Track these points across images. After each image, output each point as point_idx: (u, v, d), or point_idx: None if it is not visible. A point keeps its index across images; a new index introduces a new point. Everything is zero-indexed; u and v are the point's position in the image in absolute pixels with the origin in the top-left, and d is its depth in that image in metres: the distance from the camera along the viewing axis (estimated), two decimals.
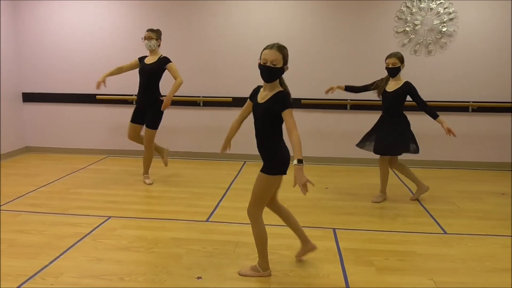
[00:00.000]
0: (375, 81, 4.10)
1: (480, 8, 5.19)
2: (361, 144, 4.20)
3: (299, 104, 5.49)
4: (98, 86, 4.39)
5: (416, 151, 4.02)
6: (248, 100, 2.61)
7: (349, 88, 4.25)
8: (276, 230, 3.37)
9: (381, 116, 4.13)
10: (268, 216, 3.61)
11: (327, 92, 4.27)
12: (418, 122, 5.32)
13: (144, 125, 4.52)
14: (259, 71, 2.40)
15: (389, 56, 3.93)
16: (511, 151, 5.41)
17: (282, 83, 2.48)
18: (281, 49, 2.36)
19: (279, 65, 2.35)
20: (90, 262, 2.82)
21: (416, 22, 5.29)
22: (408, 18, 5.30)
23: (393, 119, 3.99)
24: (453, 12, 5.22)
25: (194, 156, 5.75)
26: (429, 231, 3.42)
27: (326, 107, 5.54)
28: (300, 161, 2.24)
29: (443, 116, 5.33)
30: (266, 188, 2.52)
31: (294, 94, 5.92)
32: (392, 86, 3.95)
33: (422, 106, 3.85)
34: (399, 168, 4.11)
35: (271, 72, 2.36)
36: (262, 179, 2.51)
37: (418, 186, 4.15)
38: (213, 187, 4.50)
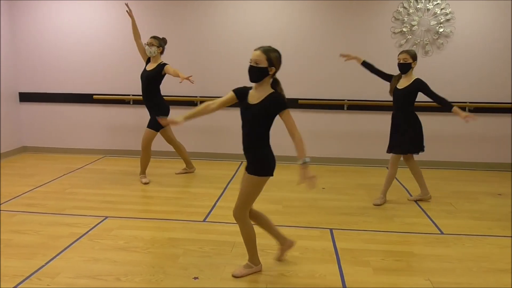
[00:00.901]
0: (393, 76, 4.01)
1: (476, 8, 5.21)
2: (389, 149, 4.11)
3: (296, 104, 5.49)
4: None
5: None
6: (233, 93, 2.52)
7: (366, 65, 4.09)
8: None
9: (392, 115, 4.06)
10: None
11: (343, 56, 4.15)
12: None
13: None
14: None
15: (401, 52, 3.90)
16: (510, 151, 5.42)
17: (275, 87, 2.47)
18: (266, 51, 2.40)
19: (262, 65, 2.38)
20: (86, 262, 2.81)
21: (413, 23, 5.31)
22: (405, 19, 5.31)
23: (403, 117, 3.95)
24: (450, 12, 5.24)
25: (191, 156, 5.73)
26: (426, 232, 3.43)
27: (323, 107, 5.55)
28: (305, 161, 2.33)
29: (440, 117, 5.40)
30: (255, 190, 2.53)
31: (291, 94, 5.95)
32: (403, 83, 3.91)
33: (437, 100, 3.81)
34: (413, 167, 4.09)
35: (252, 71, 2.41)
36: (251, 181, 2.51)
37: (422, 191, 4.15)
38: (210, 187, 4.49)
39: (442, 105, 3.81)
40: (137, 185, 4.55)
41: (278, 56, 2.44)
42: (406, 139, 3.94)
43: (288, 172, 5.19)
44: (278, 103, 2.40)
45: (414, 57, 3.88)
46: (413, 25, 5.31)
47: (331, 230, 3.42)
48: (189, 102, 5.66)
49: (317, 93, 5.51)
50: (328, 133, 5.64)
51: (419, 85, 3.84)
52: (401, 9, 5.30)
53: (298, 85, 5.52)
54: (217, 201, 4.08)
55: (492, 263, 2.89)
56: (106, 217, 3.60)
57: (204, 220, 3.60)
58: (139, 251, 3.00)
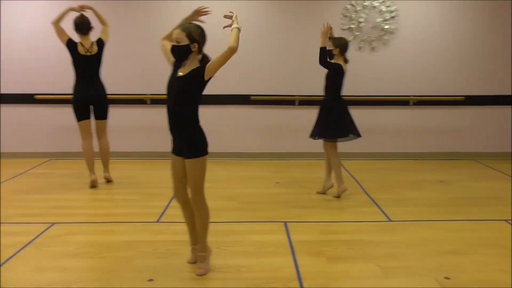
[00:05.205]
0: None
1: (419, 7, 5.48)
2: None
3: (248, 100, 5.52)
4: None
5: None
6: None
7: (325, 55, 3.88)
8: (227, 227, 3.39)
9: (342, 100, 4.04)
10: (221, 213, 3.61)
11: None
12: (364, 115, 5.54)
13: (95, 119, 4.39)
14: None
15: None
16: (450, 141, 5.76)
17: (205, 63, 2.46)
18: (186, 28, 2.42)
19: (183, 42, 2.39)
20: (32, 273, 2.66)
21: (361, 20, 5.48)
22: (353, 16, 5.47)
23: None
24: (394, 10, 5.46)
25: (145, 156, 5.61)
26: (375, 220, 3.57)
27: (275, 103, 5.61)
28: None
29: (386, 110, 5.64)
30: (203, 171, 2.54)
31: (244, 91, 5.96)
32: None
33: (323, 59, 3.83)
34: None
35: (174, 50, 2.42)
36: (197, 164, 2.49)
37: (328, 182, 4.20)
38: (163, 187, 4.40)
39: (323, 54, 3.81)
40: (87, 188, 4.36)
41: (201, 32, 2.46)
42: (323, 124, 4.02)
43: (241, 168, 5.23)
44: (200, 67, 2.42)
45: (336, 44, 3.91)
46: (361, 22, 5.48)
47: (285, 223, 3.47)
48: (140, 101, 5.54)
49: (269, 90, 5.56)
50: (280, 128, 5.70)
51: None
52: (349, 7, 5.46)
53: (250, 81, 5.54)
54: (170, 200, 4.01)
55: (437, 246, 3.06)
56: (53, 224, 3.43)
57: (158, 221, 3.54)
58: (91, 256, 2.89)
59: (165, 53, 2.62)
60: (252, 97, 5.52)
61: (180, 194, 2.66)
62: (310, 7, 5.45)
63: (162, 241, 3.12)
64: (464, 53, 5.58)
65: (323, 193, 4.20)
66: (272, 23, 5.49)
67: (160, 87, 5.46)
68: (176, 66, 2.53)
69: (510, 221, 3.51)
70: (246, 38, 5.51)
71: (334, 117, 3.95)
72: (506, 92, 5.66)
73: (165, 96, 2.54)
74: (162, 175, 4.88)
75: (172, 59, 2.53)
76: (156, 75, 5.46)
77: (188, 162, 2.50)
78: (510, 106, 5.70)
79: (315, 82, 5.53)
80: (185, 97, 2.45)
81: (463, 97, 5.60)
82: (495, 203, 3.98)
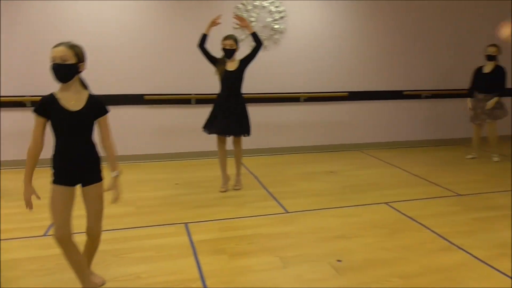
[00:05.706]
0: (218, 59, 4.14)
1: (305, 8, 5.82)
2: (208, 129, 4.19)
3: (141, 100, 5.32)
4: None
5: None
6: (42, 119, 2.18)
7: (204, 40, 4.15)
8: (125, 234, 3.25)
9: (224, 97, 4.14)
10: (117, 220, 3.43)
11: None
12: (258, 112, 5.73)
13: None
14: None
15: (226, 38, 4.09)
16: (337, 134, 6.27)
17: (85, 87, 2.28)
18: (72, 46, 2.17)
19: (71, 61, 2.13)
20: None
21: (252, 19, 5.63)
22: (244, 15, 5.60)
23: (237, 98, 4.13)
24: (283, 11, 5.72)
25: (22, 164, 5.06)
26: (273, 213, 3.72)
27: (170, 102, 5.50)
28: (117, 174, 2.33)
29: (277, 107, 5.90)
30: (103, 197, 2.38)
31: (137, 90, 5.73)
32: (232, 65, 4.11)
33: (255, 46, 4.09)
34: (240, 150, 4.32)
35: (60, 70, 2.12)
36: (100, 190, 2.34)
37: (225, 178, 4.36)
38: (48, 197, 4.02)
39: (256, 40, 4.10)
40: None
41: (83, 51, 2.24)
42: (238, 121, 4.13)
43: (137, 171, 5.03)
44: (101, 107, 2.28)
45: (237, 42, 4.15)
46: (252, 21, 5.63)
47: (186, 224, 3.43)
48: (18, 103, 4.98)
49: (163, 88, 5.43)
50: (176, 128, 5.60)
51: (244, 60, 4.10)
52: (240, 6, 5.58)
53: (144, 80, 5.35)
54: None
55: (329, 232, 3.29)
56: None
57: (45, 234, 3.22)
58: None
59: (41, 135, 2.25)
60: (145, 97, 5.33)
61: (67, 229, 2.34)
62: (202, 5, 5.44)
63: (50, 255, 2.85)
64: (348, 52, 6.09)
65: (226, 190, 4.24)
66: (163, 21, 5.36)
67: (40, 89, 5.02)
68: (51, 99, 2.17)
69: (389, 204, 3.94)
70: (137, 36, 5.34)
71: (247, 112, 4.16)
72: (382, 87, 6.33)
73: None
74: (45, 184, 4.44)
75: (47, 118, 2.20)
76: (38, 76, 4.97)
77: (93, 187, 2.32)
78: (386, 101, 6.39)
79: (210, 80, 5.57)
80: (88, 129, 2.27)
81: (347, 93, 6.12)
82: (376, 188, 4.44)
